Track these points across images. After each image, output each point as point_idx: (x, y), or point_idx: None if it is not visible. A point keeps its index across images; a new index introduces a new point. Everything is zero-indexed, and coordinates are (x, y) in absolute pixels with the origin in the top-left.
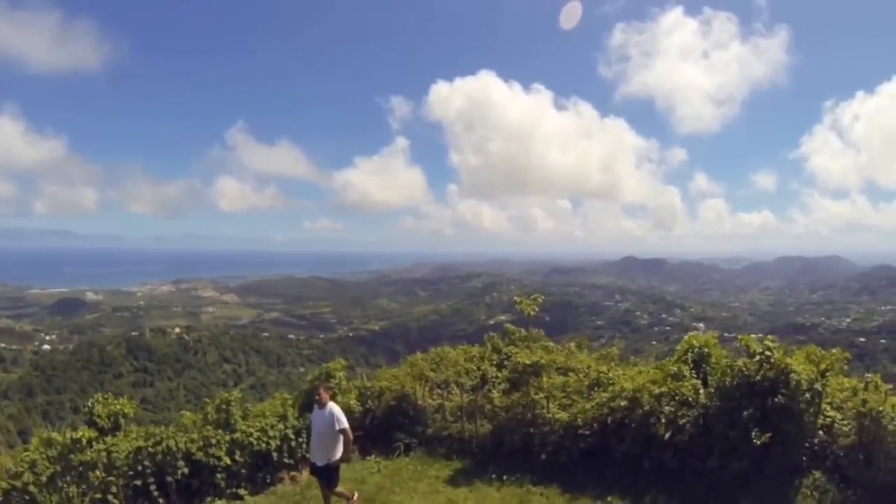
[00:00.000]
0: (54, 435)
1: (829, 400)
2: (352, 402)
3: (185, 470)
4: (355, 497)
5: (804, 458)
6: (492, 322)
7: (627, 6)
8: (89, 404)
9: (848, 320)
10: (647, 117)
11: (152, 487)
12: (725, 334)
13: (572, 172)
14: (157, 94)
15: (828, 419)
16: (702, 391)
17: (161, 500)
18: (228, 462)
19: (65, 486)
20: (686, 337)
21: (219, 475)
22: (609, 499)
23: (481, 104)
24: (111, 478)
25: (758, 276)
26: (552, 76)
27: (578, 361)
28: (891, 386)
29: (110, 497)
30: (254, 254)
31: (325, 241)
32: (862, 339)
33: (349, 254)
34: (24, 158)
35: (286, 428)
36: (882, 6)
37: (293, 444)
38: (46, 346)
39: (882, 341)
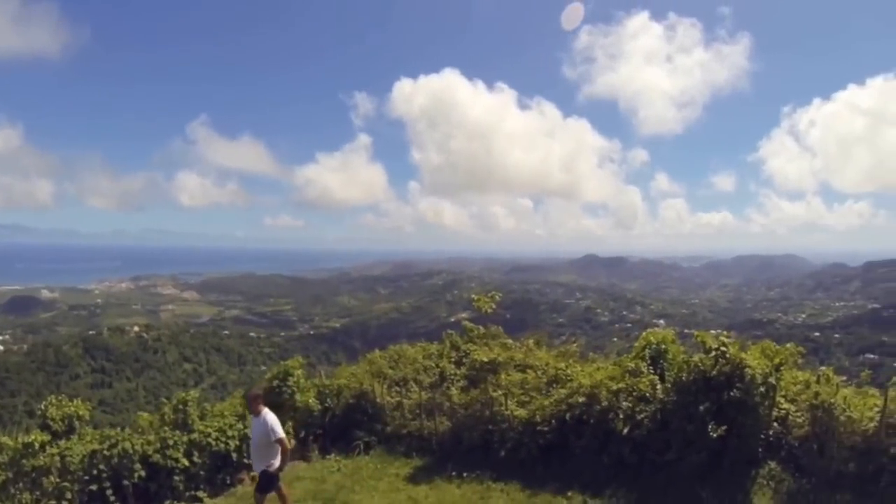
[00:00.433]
0: (5, 439)
1: (783, 393)
2: (311, 401)
3: (142, 473)
4: None
5: (760, 450)
6: (452, 319)
7: (595, 9)
8: (43, 407)
9: (803, 316)
10: (610, 118)
11: (108, 492)
12: (685, 331)
13: (534, 171)
14: (118, 84)
15: (782, 411)
16: (659, 386)
17: None
18: (186, 464)
19: (17, 492)
20: (644, 333)
21: (177, 477)
22: (569, 494)
23: (445, 102)
24: (65, 483)
25: (717, 274)
26: (516, 76)
27: (537, 358)
28: (843, 378)
29: (65, 503)
30: (214, 250)
31: (286, 238)
32: (817, 334)
33: (311, 251)
34: None
35: (245, 427)
36: (839, 19)
37: None
38: None
39: (836, 336)
